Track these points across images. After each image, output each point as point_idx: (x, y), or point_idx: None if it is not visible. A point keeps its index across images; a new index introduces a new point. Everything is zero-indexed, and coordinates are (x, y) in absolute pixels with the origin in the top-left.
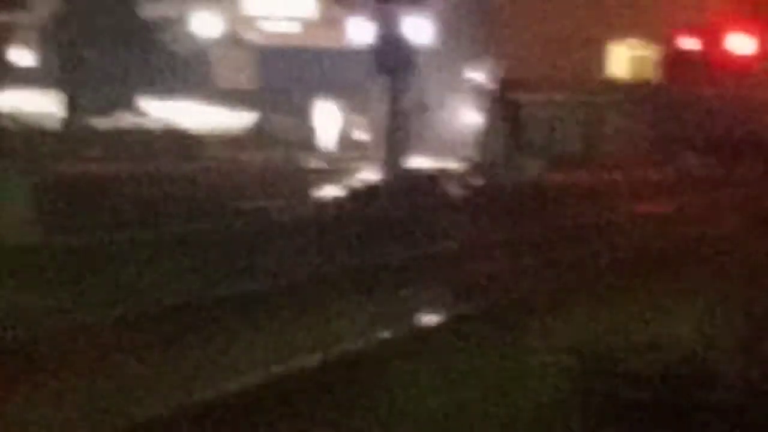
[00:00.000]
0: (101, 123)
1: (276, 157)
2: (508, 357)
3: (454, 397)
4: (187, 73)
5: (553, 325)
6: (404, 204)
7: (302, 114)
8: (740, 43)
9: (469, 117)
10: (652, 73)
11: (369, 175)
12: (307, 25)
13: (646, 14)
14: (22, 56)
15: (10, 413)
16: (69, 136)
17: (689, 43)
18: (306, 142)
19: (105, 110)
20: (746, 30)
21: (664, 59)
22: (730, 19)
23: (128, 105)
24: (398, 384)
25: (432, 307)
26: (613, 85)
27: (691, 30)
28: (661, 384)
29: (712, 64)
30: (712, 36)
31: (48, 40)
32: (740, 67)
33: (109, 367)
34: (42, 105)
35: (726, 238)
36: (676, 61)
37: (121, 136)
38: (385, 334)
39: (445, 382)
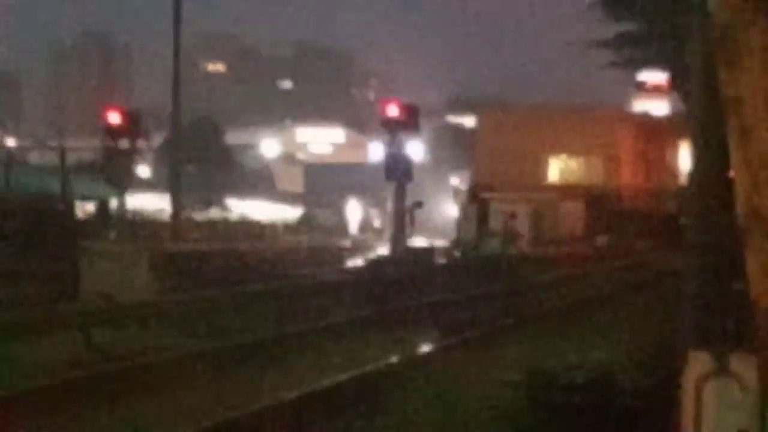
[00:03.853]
0: (198, 216)
1: (318, 239)
2: (478, 374)
3: (440, 402)
4: (257, 181)
5: (509, 351)
6: (407, 270)
7: (336, 209)
8: None
9: (451, 210)
10: (577, 178)
11: (382, 250)
12: (339, 147)
13: (572, 138)
14: (144, 171)
15: None
16: (176, 225)
17: None
18: (339, 228)
19: (201, 207)
20: None
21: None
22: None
23: (217, 203)
24: (404, 393)
25: (425, 340)
26: (550, 188)
27: None
28: (584, 391)
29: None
30: None
31: (161, 159)
32: None
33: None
34: (157, 204)
35: (624, 291)
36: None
37: (212, 224)
38: (396, 359)
39: (435, 391)
